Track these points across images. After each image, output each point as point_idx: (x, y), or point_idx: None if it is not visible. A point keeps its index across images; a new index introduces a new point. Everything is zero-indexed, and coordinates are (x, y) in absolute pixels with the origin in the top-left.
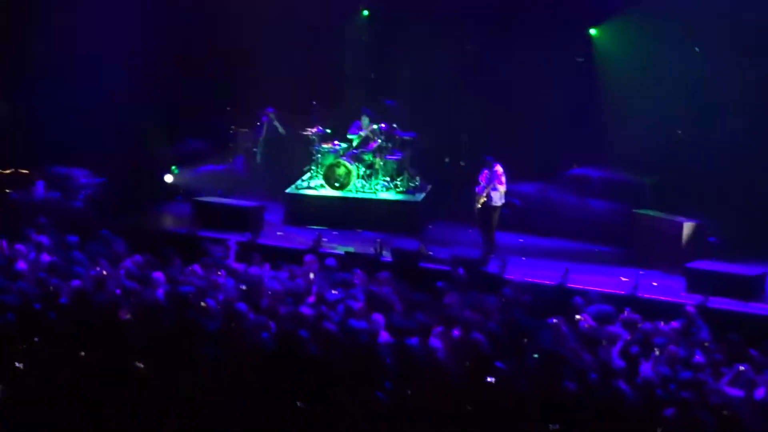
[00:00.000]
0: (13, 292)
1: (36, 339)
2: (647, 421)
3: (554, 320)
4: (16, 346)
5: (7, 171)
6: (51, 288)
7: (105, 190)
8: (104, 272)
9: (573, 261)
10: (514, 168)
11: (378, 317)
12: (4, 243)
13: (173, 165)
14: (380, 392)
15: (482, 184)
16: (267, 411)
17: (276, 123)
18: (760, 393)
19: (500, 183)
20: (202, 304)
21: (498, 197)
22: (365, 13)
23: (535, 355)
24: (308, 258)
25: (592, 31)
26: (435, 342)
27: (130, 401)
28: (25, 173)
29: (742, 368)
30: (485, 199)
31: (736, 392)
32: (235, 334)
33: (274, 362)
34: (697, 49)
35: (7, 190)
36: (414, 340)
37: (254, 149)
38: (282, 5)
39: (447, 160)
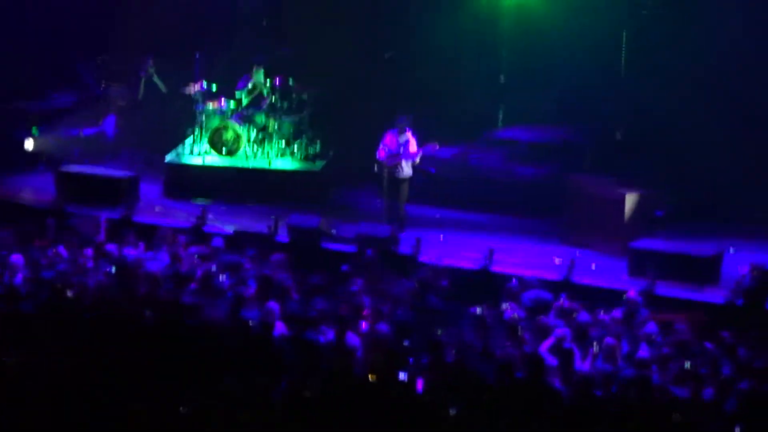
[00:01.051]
0: None
1: None
2: (584, 426)
3: (476, 309)
4: None
5: None
6: None
7: None
8: None
9: (499, 238)
10: (428, 128)
11: (273, 305)
12: None
13: (33, 126)
14: (275, 392)
15: (386, 148)
16: (143, 417)
17: (155, 78)
18: (708, 393)
19: (410, 155)
20: (68, 291)
21: (408, 167)
22: None
23: (454, 350)
24: (180, 237)
25: None
26: (345, 336)
27: None
28: None
29: (687, 364)
30: (390, 168)
31: (682, 392)
32: (106, 325)
33: (150, 359)
34: None
35: None
36: (314, 332)
37: (128, 108)
38: None
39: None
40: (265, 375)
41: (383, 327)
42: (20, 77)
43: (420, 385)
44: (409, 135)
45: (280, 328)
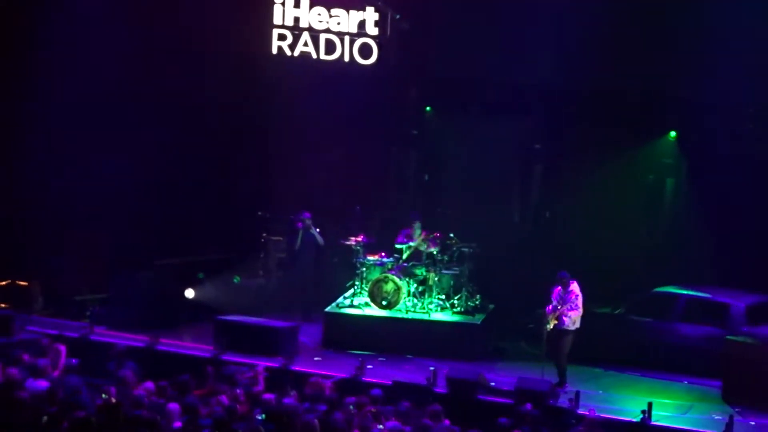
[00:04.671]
0: None
1: None
2: None
3: None
4: None
5: (3, 282)
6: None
7: (112, 309)
8: (113, 400)
9: (656, 394)
10: (586, 285)
11: None
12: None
13: (198, 273)
14: None
15: (554, 303)
16: None
17: (313, 231)
18: None
19: (574, 307)
20: None
21: (571, 321)
22: (428, 109)
23: None
24: (338, 387)
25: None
26: None
27: None
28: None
29: None
30: (556, 321)
31: None
32: None
33: None
34: None
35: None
36: None
37: (287, 260)
38: (320, 96)
39: None
40: None
41: None
42: (182, 231)
43: None
44: (574, 288)
45: None
